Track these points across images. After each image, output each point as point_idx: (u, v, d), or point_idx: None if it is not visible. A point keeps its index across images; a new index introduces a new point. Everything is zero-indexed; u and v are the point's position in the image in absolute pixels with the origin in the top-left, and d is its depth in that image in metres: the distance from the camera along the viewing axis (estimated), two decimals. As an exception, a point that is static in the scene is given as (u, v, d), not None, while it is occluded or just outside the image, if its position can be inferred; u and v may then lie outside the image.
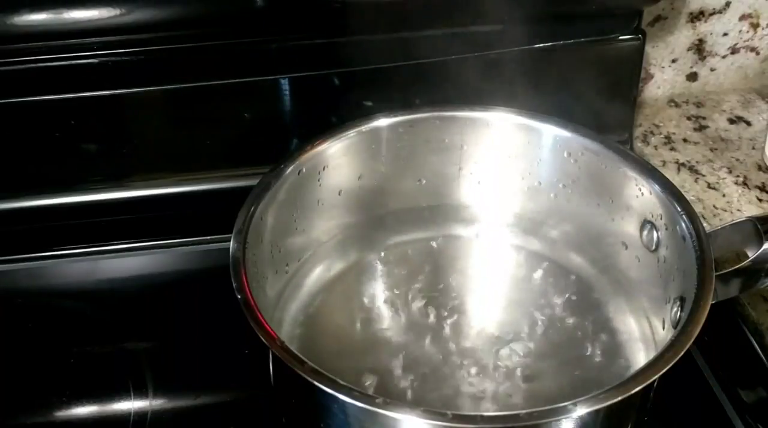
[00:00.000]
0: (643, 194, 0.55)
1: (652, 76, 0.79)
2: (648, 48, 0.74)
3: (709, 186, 0.69)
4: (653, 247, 0.55)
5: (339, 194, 0.61)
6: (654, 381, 0.43)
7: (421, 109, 0.61)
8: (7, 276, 0.64)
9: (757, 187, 0.69)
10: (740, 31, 0.78)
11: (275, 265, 0.56)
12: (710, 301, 0.46)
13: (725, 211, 0.67)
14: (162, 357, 0.58)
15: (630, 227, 0.57)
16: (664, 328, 0.53)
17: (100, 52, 0.60)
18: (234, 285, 0.47)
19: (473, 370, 0.54)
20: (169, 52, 0.62)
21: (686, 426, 0.55)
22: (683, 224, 0.51)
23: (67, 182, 0.66)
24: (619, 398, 0.42)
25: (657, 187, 0.54)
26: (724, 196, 0.68)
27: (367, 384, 0.52)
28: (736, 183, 0.69)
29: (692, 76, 0.80)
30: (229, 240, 0.50)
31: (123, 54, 0.61)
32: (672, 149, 0.74)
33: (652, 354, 0.45)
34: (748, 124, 0.77)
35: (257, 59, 0.63)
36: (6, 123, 0.63)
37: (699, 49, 0.78)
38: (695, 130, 0.76)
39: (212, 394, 0.56)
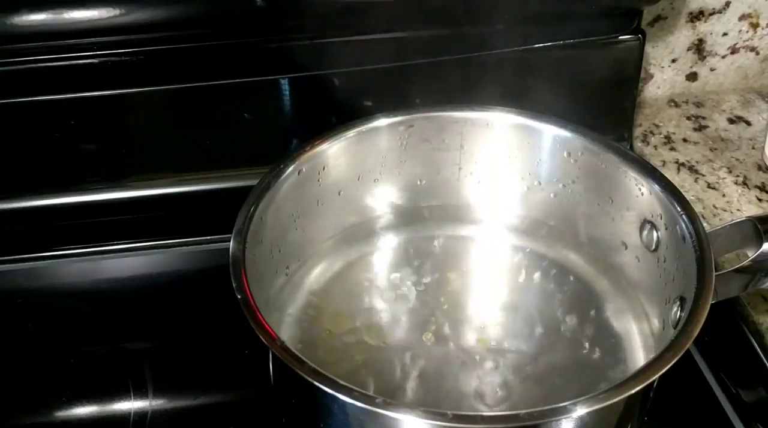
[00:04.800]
0: (643, 194, 0.55)
1: (652, 76, 0.79)
2: (648, 48, 0.74)
3: (709, 186, 0.69)
4: (653, 247, 0.55)
5: (339, 194, 0.61)
6: (654, 381, 0.43)
7: (421, 109, 0.61)
8: (7, 276, 0.64)
9: (757, 187, 0.69)
10: (740, 31, 0.78)
11: (275, 265, 0.56)
12: (710, 301, 0.46)
13: (725, 210, 0.67)
14: (162, 357, 0.58)
15: (630, 227, 0.57)
16: (664, 328, 0.53)
17: (100, 52, 0.60)
18: (234, 285, 0.47)
19: (473, 370, 0.54)
20: (169, 52, 0.62)
21: (686, 426, 0.55)
22: (683, 224, 0.51)
23: (67, 182, 0.66)
24: (619, 398, 0.42)
25: (657, 187, 0.54)
26: (724, 195, 0.68)
27: (367, 384, 0.52)
28: (736, 183, 0.69)
29: (692, 76, 0.80)
30: (229, 240, 0.50)
31: (123, 54, 0.61)
32: (672, 149, 0.74)
33: (652, 354, 0.45)
34: (748, 124, 0.77)
35: (257, 59, 0.63)
36: (6, 123, 0.63)
37: (699, 49, 0.78)
38: (695, 129, 0.76)
39: (212, 394, 0.56)
